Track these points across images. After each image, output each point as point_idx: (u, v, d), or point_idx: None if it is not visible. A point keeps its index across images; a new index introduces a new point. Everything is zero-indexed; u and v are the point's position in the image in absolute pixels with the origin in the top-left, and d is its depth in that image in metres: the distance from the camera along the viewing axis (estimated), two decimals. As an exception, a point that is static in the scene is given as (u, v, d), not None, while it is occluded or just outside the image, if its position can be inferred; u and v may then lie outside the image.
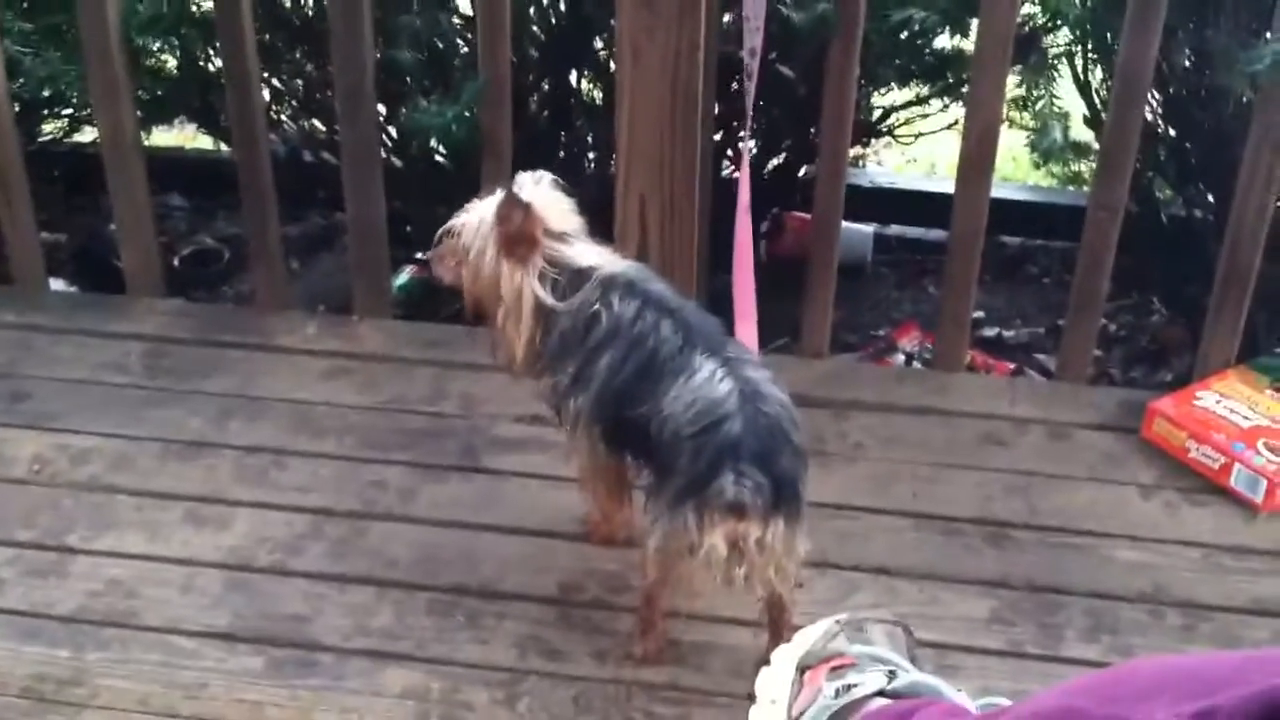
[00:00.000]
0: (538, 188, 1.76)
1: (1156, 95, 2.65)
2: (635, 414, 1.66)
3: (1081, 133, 2.64)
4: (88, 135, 3.03)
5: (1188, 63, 2.66)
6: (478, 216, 1.76)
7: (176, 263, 3.08)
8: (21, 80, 2.57)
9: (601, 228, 2.03)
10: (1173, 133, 2.75)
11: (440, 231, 1.81)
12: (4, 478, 2.10)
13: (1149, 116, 2.49)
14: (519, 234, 1.71)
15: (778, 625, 1.73)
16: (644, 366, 1.67)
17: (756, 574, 1.61)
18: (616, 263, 1.76)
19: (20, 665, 1.74)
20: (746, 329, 1.98)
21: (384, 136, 2.64)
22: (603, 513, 1.92)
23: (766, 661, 1.56)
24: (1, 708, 1.68)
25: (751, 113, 2.20)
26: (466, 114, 2.32)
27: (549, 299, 1.72)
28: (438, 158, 2.75)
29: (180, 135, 3.40)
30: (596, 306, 1.71)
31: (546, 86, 2.82)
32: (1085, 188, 2.92)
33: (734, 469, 1.56)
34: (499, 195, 1.73)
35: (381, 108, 2.52)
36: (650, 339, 1.67)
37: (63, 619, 1.83)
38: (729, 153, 2.94)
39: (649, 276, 1.77)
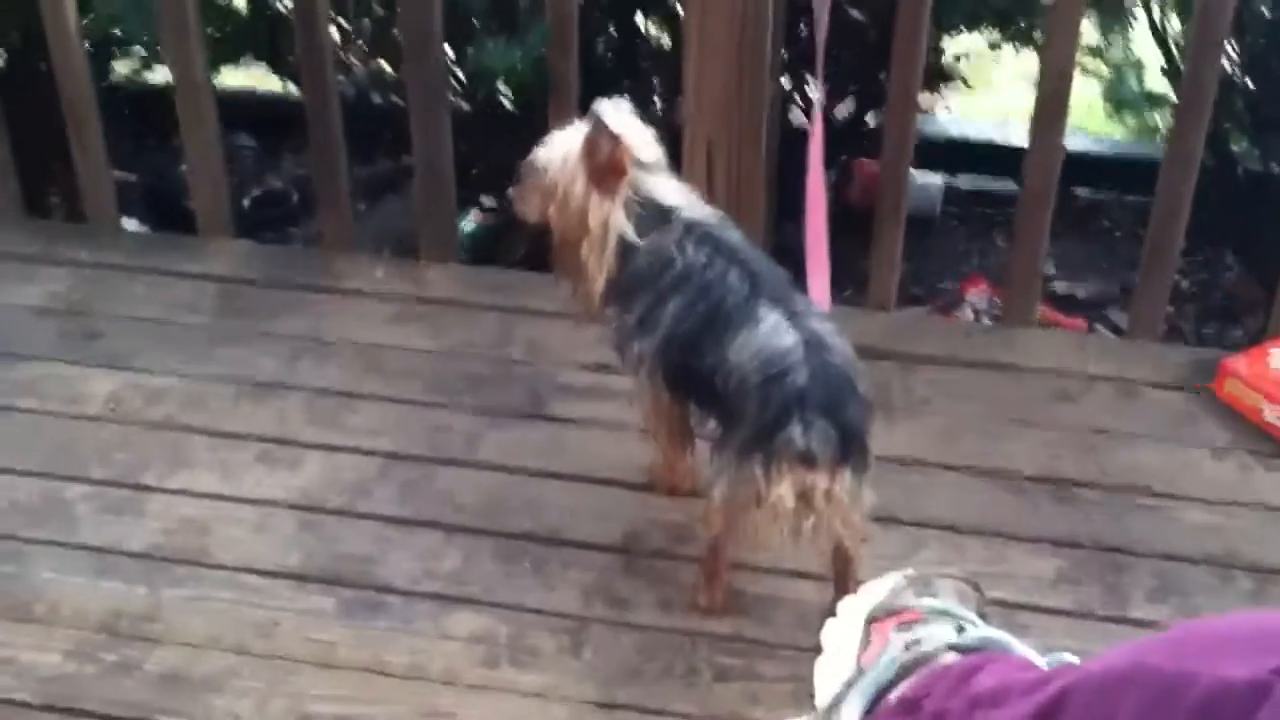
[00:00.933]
0: (621, 116, 1.72)
1: (1235, 45, 2.60)
2: (700, 363, 1.66)
3: (1157, 83, 2.60)
4: (159, 76, 3.05)
5: (1268, 12, 2.60)
6: (562, 149, 1.73)
7: (246, 204, 3.10)
8: (91, 18, 2.58)
9: (670, 171, 2.02)
10: (1251, 84, 2.70)
11: (522, 166, 1.79)
12: (80, 414, 2.13)
13: (1227, 67, 2.44)
14: (609, 164, 1.69)
15: (843, 579, 1.73)
16: (710, 315, 1.66)
17: (823, 525, 1.61)
18: (699, 207, 1.75)
19: (96, 600, 1.78)
20: (819, 283, 1.96)
21: (451, 79, 2.63)
22: (666, 460, 1.92)
23: (833, 614, 1.56)
24: (79, 641, 1.72)
25: (822, 57, 2.17)
26: (533, 55, 2.31)
27: (631, 233, 1.70)
28: (504, 101, 2.75)
29: (249, 75, 3.41)
30: (672, 250, 1.69)
31: (613, 29, 2.80)
32: (1160, 140, 2.87)
33: (801, 419, 1.56)
34: (586, 126, 1.71)
35: (449, 49, 2.51)
36: (717, 288, 1.67)
37: (137, 555, 1.86)
38: (796, 98, 2.91)
39: (727, 225, 1.76)
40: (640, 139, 1.73)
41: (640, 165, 1.72)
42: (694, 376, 1.69)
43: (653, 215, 1.72)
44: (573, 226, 1.74)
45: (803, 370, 1.58)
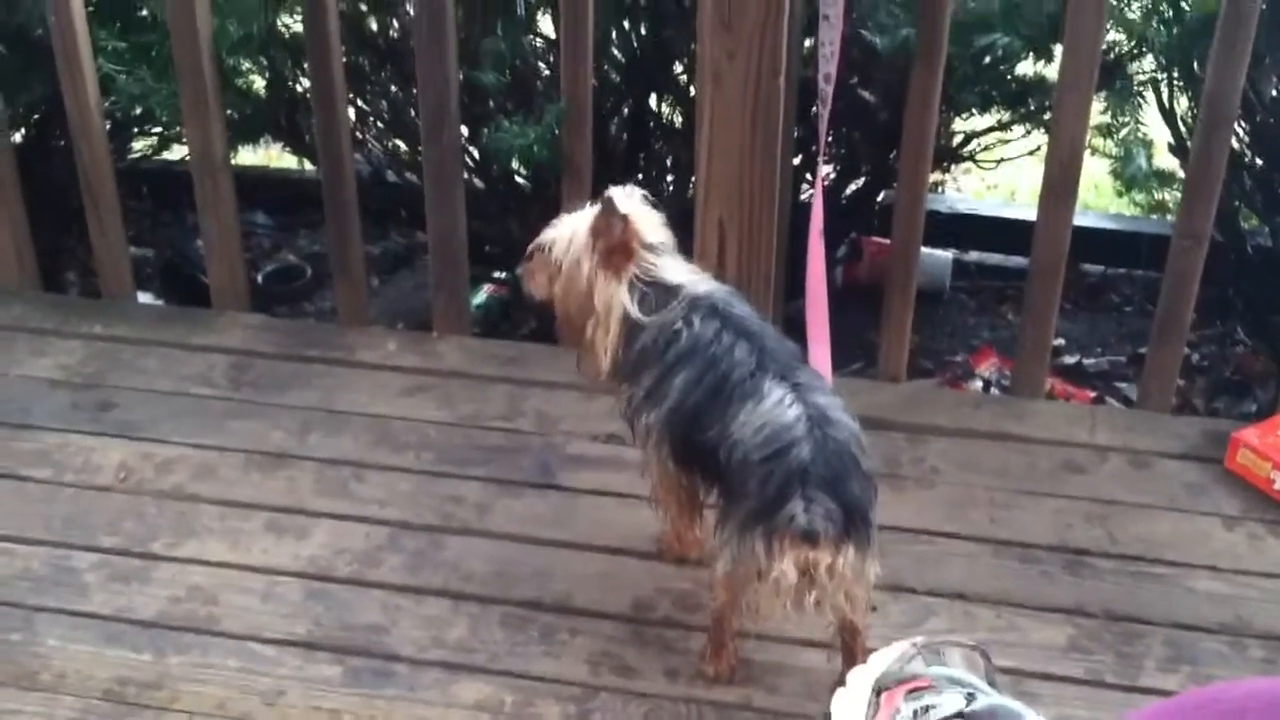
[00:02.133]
0: (630, 200, 1.76)
1: (1243, 123, 2.63)
2: (704, 435, 1.66)
3: (1166, 161, 2.61)
4: (177, 153, 3.09)
5: (1275, 91, 2.63)
6: (570, 230, 1.77)
7: (260, 279, 3.13)
8: (114, 98, 2.63)
9: (680, 251, 2.04)
10: (1259, 161, 2.72)
11: (531, 246, 1.83)
12: (91, 485, 2.14)
13: (1235, 145, 2.46)
14: (617, 244, 1.72)
15: (851, 649, 1.72)
16: (715, 388, 1.67)
17: (827, 600, 1.61)
18: (705, 282, 1.77)
19: (103, 668, 1.78)
20: (820, 353, 1.97)
21: (466, 157, 2.66)
22: (675, 530, 1.93)
23: (842, 683, 1.55)
24: (84, 709, 1.71)
25: (827, 139, 2.20)
26: (548, 136, 2.34)
27: (636, 312, 1.73)
28: (518, 179, 2.78)
29: (265, 154, 3.46)
30: (679, 324, 1.71)
31: (627, 109, 2.84)
32: (1169, 216, 2.88)
33: (803, 495, 1.56)
34: (594, 207, 1.74)
35: (464, 129, 2.55)
36: (724, 361, 1.68)
37: (145, 624, 1.86)
38: (808, 177, 2.94)
39: (734, 299, 1.77)
40: (649, 222, 1.76)
41: (648, 247, 1.74)
42: (697, 448, 1.70)
43: (658, 294, 1.74)
44: (578, 305, 1.77)
45: (805, 446, 1.58)
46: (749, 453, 1.60)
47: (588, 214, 1.75)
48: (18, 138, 2.86)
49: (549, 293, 1.80)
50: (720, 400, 1.66)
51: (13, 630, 1.84)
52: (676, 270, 1.77)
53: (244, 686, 1.75)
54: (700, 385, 1.68)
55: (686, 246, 2.27)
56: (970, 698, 1.40)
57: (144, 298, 2.85)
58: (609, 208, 1.71)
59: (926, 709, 1.40)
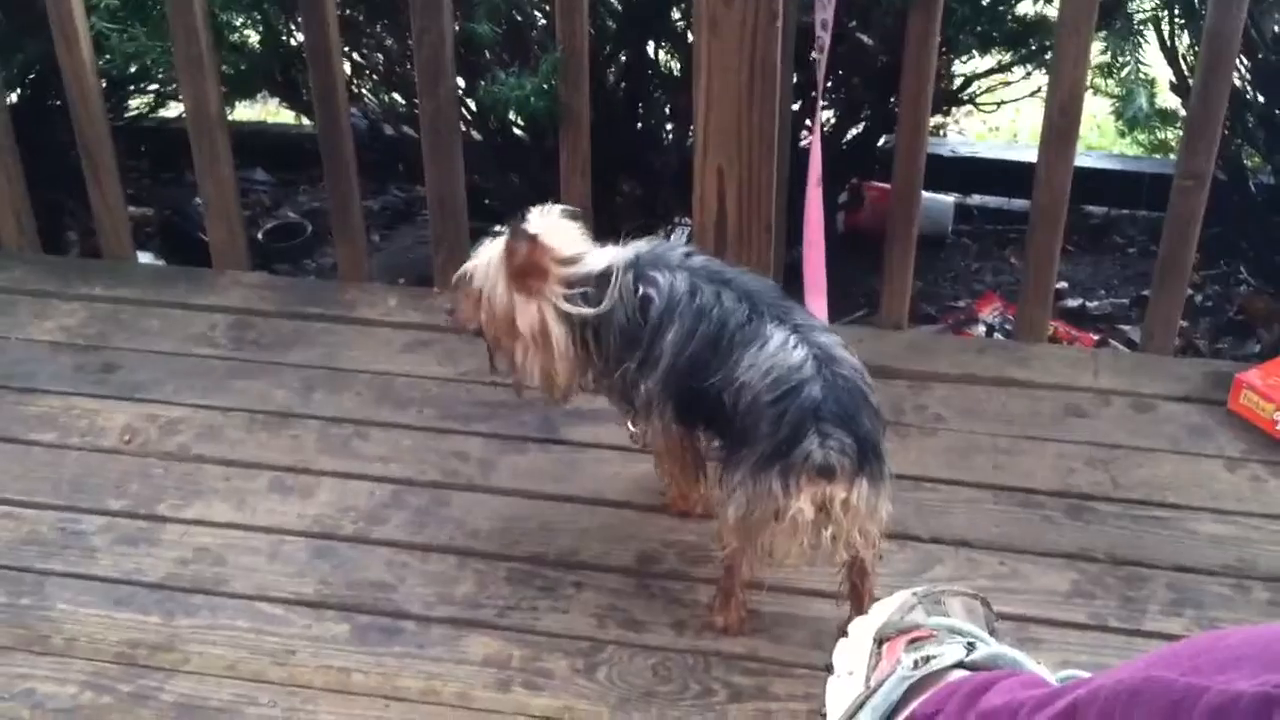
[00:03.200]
0: (545, 219, 1.76)
1: (1245, 61, 2.61)
2: (707, 385, 1.66)
3: (1168, 100, 2.60)
4: (173, 111, 3.08)
5: (1277, 28, 2.61)
6: (486, 257, 1.77)
7: (260, 236, 3.13)
8: (108, 57, 2.62)
9: (680, 198, 2.03)
10: (1261, 99, 2.70)
11: (454, 279, 1.83)
12: (96, 447, 2.15)
13: (1237, 83, 2.45)
14: (527, 265, 1.72)
15: (859, 592, 1.73)
16: (713, 337, 1.67)
17: (842, 537, 1.61)
18: (629, 248, 1.77)
19: (113, 631, 1.79)
20: (817, 302, 1.98)
21: (463, 110, 2.65)
22: (680, 491, 1.94)
23: (844, 633, 1.56)
24: (95, 672, 1.72)
25: (824, 85, 2.19)
26: (545, 86, 2.33)
27: (586, 310, 1.73)
28: (516, 130, 2.77)
29: (263, 110, 3.44)
30: (642, 289, 1.72)
31: (624, 58, 2.82)
32: (1172, 156, 2.87)
33: (818, 432, 1.57)
34: (499, 240, 1.75)
35: (460, 81, 2.53)
36: (714, 310, 1.68)
37: (153, 586, 1.87)
38: (807, 123, 2.92)
39: (672, 246, 1.79)
40: (565, 236, 1.76)
41: (564, 260, 1.74)
42: (701, 399, 1.70)
43: (596, 285, 1.73)
44: (505, 330, 1.77)
45: (815, 384, 1.59)
46: (758, 395, 1.60)
47: (502, 240, 1.75)
48: (13, 99, 2.85)
49: (478, 322, 1.81)
50: (721, 348, 1.66)
51: (22, 594, 1.85)
52: (600, 257, 1.76)
53: (253, 646, 1.76)
54: (695, 338, 1.68)
55: (688, 193, 2.28)
56: (970, 647, 1.42)
57: (144, 258, 2.84)
58: (514, 230, 1.72)
59: (927, 659, 1.41)
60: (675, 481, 1.92)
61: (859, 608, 1.69)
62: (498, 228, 2.93)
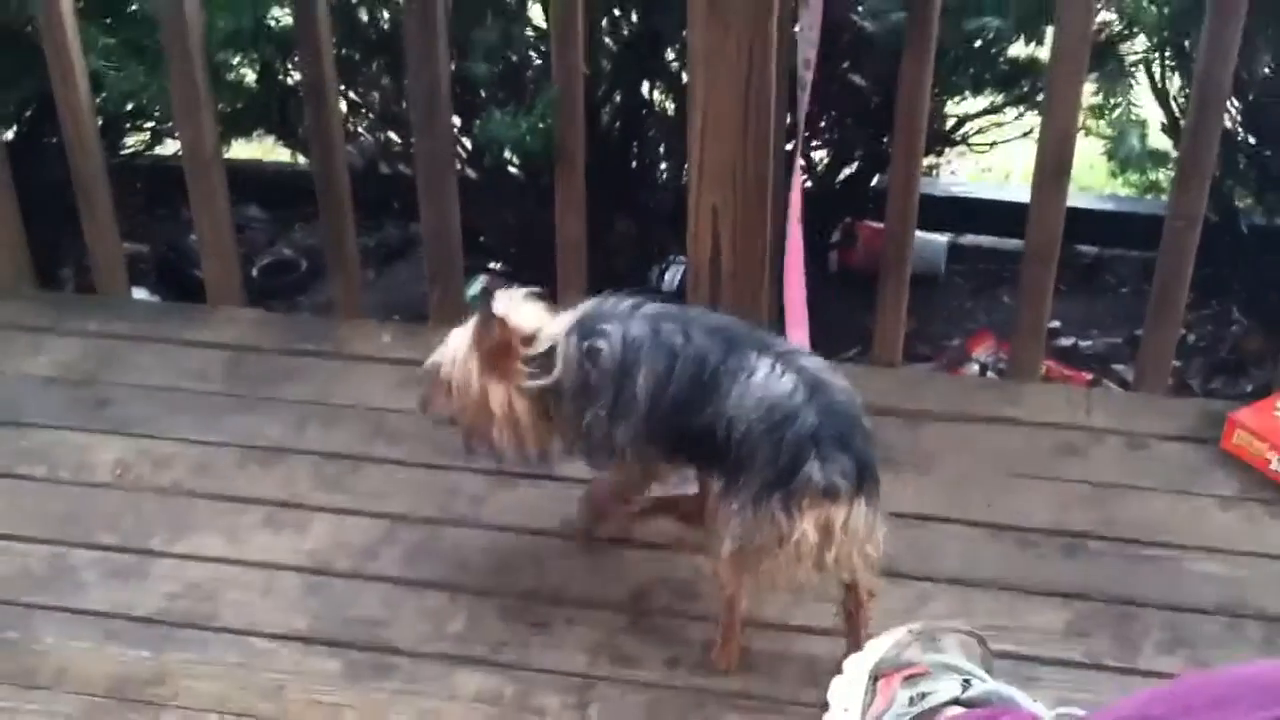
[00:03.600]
0: (506, 299, 1.78)
1: (1236, 103, 2.62)
2: (694, 421, 1.66)
3: (1159, 140, 2.61)
4: (169, 148, 3.09)
5: (1268, 69, 2.63)
6: (454, 346, 1.79)
7: (255, 273, 3.13)
8: (105, 94, 2.63)
9: (675, 236, 2.04)
10: (1252, 140, 2.71)
11: (422, 370, 1.85)
12: (88, 482, 2.14)
13: (1228, 124, 2.46)
14: (497, 348, 1.74)
15: (855, 623, 1.73)
16: (694, 375, 1.67)
17: (843, 559, 1.62)
18: (574, 311, 1.79)
19: (103, 664, 1.78)
20: (798, 335, 1.98)
21: (458, 148, 2.66)
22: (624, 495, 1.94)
23: (840, 670, 1.56)
24: (85, 706, 1.71)
25: (804, 122, 2.19)
26: (540, 125, 2.34)
27: (542, 381, 1.74)
28: (511, 169, 2.78)
29: (259, 148, 3.45)
30: (588, 343, 1.72)
31: (619, 98, 2.84)
32: (1163, 196, 2.89)
33: (818, 455, 1.58)
34: (471, 321, 1.77)
35: (456, 119, 2.55)
36: (687, 348, 1.68)
37: (144, 620, 1.86)
38: (801, 163, 2.94)
39: (619, 300, 1.78)
40: (524, 314, 1.78)
41: (527, 339, 1.76)
42: (688, 436, 1.70)
43: (547, 356, 1.75)
44: (479, 415, 1.78)
45: (809, 409, 1.60)
46: (751, 425, 1.61)
47: (469, 327, 1.77)
48: (9, 135, 2.85)
49: (451, 410, 1.82)
50: (705, 384, 1.66)
51: (10, 628, 1.84)
52: (555, 327, 1.77)
53: (244, 682, 1.76)
54: (674, 378, 1.68)
55: (683, 232, 2.29)
56: (966, 684, 1.42)
57: (139, 293, 2.84)
58: (484, 316, 1.73)
59: (923, 695, 1.41)
60: (603, 506, 1.95)
61: (855, 641, 1.69)
62: (491, 264, 2.97)
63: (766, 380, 1.63)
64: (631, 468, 1.80)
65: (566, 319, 1.78)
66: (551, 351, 1.75)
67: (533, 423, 1.77)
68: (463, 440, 1.85)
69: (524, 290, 1.81)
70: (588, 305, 1.79)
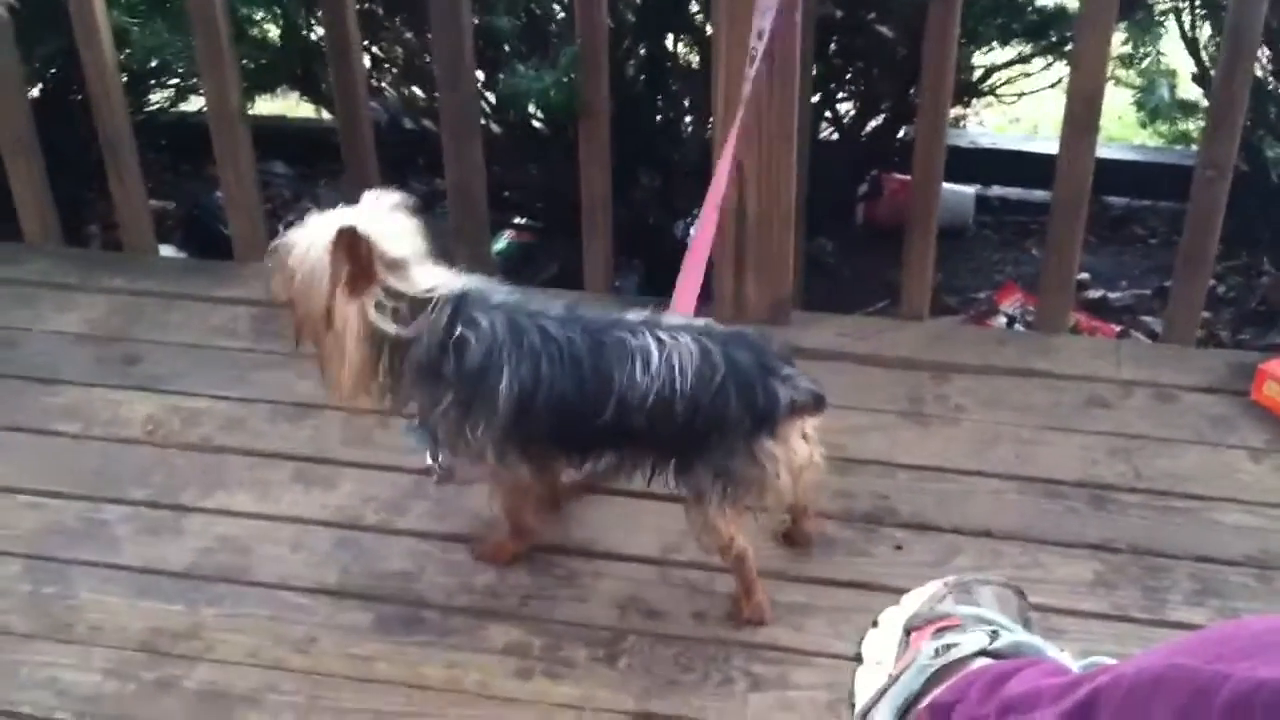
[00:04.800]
0: (378, 211, 1.67)
1: (1266, 51, 2.59)
2: (598, 422, 1.62)
3: (1189, 90, 2.59)
4: (194, 104, 3.09)
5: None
6: (308, 240, 1.63)
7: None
8: (129, 51, 2.63)
9: (699, 190, 2.03)
10: (1284, 90, 2.68)
11: (271, 245, 1.70)
12: (119, 438, 2.16)
13: (1259, 73, 2.43)
14: (355, 266, 1.60)
15: (805, 533, 1.87)
16: (576, 378, 1.63)
17: (813, 466, 1.70)
18: (456, 280, 1.68)
19: (136, 619, 1.80)
20: (686, 300, 1.86)
21: (482, 103, 2.65)
22: (521, 529, 1.88)
23: (875, 624, 1.56)
24: (120, 660, 1.73)
25: (749, 97, 2.07)
26: (564, 79, 2.33)
27: (392, 328, 1.63)
28: (535, 123, 2.77)
29: (283, 104, 3.45)
30: (459, 330, 1.63)
31: (643, 51, 2.82)
32: (1193, 147, 2.86)
33: (777, 379, 1.63)
34: (335, 220, 1.61)
35: (480, 74, 2.54)
36: (560, 350, 1.63)
37: (177, 575, 1.87)
38: (827, 115, 2.92)
39: (495, 287, 1.71)
40: (396, 235, 1.65)
41: (392, 264, 1.63)
42: (593, 437, 1.67)
43: (411, 306, 1.64)
44: (312, 318, 1.65)
45: (734, 354, 1.63)
46: (698, 397, 1.60)
47: (331, 223, 1.60)
48: (35, 93, 2.86)
49: (287, 294, 1.67)
50: (595, 384, 1.62)
51: (47, 584, 1.85)
52: (426, 278, 1.66)
53: (276, 635, 1.77)
54: (543, 384, 1.62)
55: (706, 185, 2.27)
56: (994, 635, 1.41)
57: (166, 250, 2.85)
58: (345, 230, 1.57)
59: (948, 647, 1.40)
60: (521, 526, 1.87)
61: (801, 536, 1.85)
62: (516, 219, 2.96)
63: (672, 355, 1.61)
64: (493, 469, 1.74)
65: (450, 283, 1.66)
66: (421, 305, 1.64)
67: (360, 361, 1.64)
68: (294, 330, 1.71)
69: (397, 196, 1.69)
70: (474, 282, 1.69)
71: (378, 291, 1.62)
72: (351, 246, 1.59)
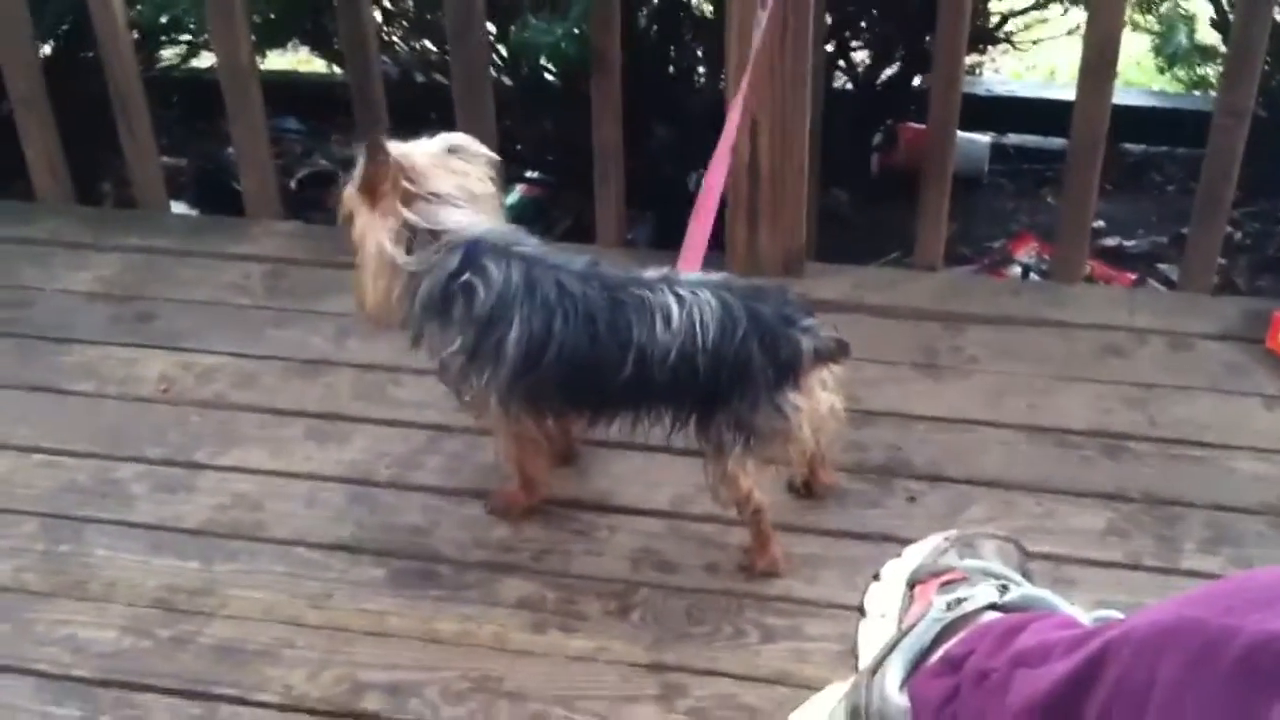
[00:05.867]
0: (438, 146, 1.69)
1: (1287, -6, 2.55)
2: (618, 378, 1.62)
3: (1208, 35, 2.56)
4: (205, 61, 3.08)
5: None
6: (395, 150, 1.66)
7: (293, 185, 3.13)
8: (140, 7, 2.62)
9: (713, 141, 2.01)
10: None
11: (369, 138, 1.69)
12: (133, 395, 2.16)
13: (1278, 17, 2.40)
14: (374, 180, 1.63)
15: (819, 480, 1.87)
16: (591, 335, 1.62)
17: (834, 415, 1.71)
18: (477, 225, 1.68)
19: (152, 577, 1.81)
20: (693, 258, 1.84)
21: (494, 55, 2.64)
22: (531, 483, 1.87)
23: (876, 576, 1.56)
24: (136, 617, 1.74)
25: (755, 49, 2.06)
26: (576, 30, 2.31)
27: (400, 256, 1.65)
28: (548, 76, 2.75)
29: (294, 59, 3.44)
30: (466, 275, 1.64)
31: (655, 1, 2.80)
32: (1211, 92, 2.82)
33: (799, 330, 1.63)
34: (415, 144, 1.68)
35: (491, 26, 2.52)
36: (576, 305, 1.63)
37: (191, 532, 1.88)
38: (841, 64, 2.90)
39: (517, 238, 1.70)
40: (441, 169, 1.67)
41: (419, 195, 1.65)
42: (613, 392, 1.66)
43: (420, 240, 1.66)
44: (347, 224, 1.70)
45: (758, 304, 1.62)
46: (720, 352, 1.60)
47: (440, 140, 1.69)
48: (46, 50, 2.85)
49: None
50: (611, 341, 1.62)
51: (62, 541, 1.87)
52: (449, 217, 1.67)
53: (291, 590, 1.78)
54: (554, 337, 1.62)
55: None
56: (1004, 589, 1.41)
57: (178, 207, 2.85)
58: (374, 142, 1.62)
59: (959, 601, 1.40)
60: (528, 476, 1.86)
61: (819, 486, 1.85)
62: (529, 173, 2.95)
63: (693, 310, 1.60)
64: (496, 419, 1.74)
65: (470, 224, 1.67)
66: (429, 241, 1.65)
67: (386, 281, 1.67)
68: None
69: (474, 144, 1.72)
70: (496, 229, 1.69)
71: (396, 216, 1.65)
72: (374, 156, 1.62)
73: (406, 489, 1.95)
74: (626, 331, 1.62)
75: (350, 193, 1.68)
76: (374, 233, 1.66)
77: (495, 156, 1.76)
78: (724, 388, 1.63)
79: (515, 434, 1.79)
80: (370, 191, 1.65)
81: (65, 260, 2.53)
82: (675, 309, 1.61)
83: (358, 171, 1.66)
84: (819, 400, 1.66)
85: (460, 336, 1.67)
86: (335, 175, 3.16)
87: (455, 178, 1.70)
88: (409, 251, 1.66)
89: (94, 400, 2.16)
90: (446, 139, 1.72)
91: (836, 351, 1.66)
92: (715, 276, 1.68)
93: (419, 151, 1.68)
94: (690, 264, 1.79)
